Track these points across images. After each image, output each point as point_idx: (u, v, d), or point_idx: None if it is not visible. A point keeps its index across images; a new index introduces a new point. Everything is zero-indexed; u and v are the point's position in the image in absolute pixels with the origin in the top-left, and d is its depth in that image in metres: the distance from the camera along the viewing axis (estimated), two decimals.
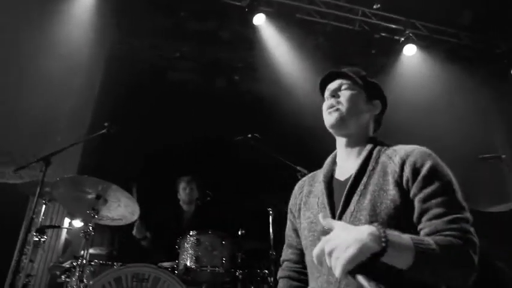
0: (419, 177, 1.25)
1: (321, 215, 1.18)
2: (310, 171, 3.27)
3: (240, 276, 3.21)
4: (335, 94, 1.49)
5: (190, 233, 3.07)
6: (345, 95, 1.47)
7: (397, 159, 1.32)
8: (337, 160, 1.51)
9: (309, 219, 1.41)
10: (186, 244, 3.04)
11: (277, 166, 3.44)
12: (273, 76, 4.97)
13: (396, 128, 4.92)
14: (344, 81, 1.50)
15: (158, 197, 4.05)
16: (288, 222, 1.59)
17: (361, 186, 1.32)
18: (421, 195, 1.23)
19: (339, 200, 1.34)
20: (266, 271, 3.40)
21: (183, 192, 3.85)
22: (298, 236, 1.50)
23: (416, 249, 1.05)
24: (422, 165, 1.27)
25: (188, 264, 2.93)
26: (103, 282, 2.53)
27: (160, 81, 5.17)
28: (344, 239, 1.00)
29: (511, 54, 5.15)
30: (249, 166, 4.13)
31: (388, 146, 1.43)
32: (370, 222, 1.18)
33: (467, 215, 1.20)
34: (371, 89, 1.53)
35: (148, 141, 4.48)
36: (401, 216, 1.23)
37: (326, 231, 1.12)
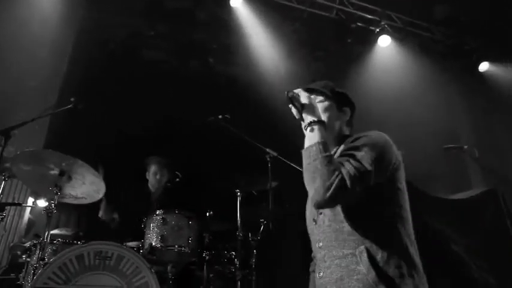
0: (350, 142, 1.54)
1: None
2: (279, 154, 3.34)
3: (207, 257, 3.24)
4: None
5: (157, 212, 3.05)
6: (319, 106, 1.68)
7: (347, 142, 1.59)
8: None
9: (307, 212, 1.69)
10: (152, 223, 3.02)
11: (247, 148, 3.45)
12: (247, 59, 4.93)
13: (367, 115, 5.04)
14: (316, 96, 1.71)
15: (126, 176, 3.99)
16: None
17: None
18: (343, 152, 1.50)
19: None
20: (233, 253, 3.44)
21: (153, 176, 3.79)
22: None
23: (319, 143, 1.46)
24: (359, 138, 1.53)
25: (153, 243, 2.92)
26: (64, 260, 2.48)
27: (132, 59, 5.03)
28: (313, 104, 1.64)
29: (480, 51, 5.31)
30: (219, 147, 4.10)
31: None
32: (332, 210, 1.51)
33: (366, 167, 1.41)
34: (341, 99, 1.75)
35: (118, 119, 4.38)
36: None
37: (315, 220, 1.59)
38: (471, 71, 5.42)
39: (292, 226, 3.65)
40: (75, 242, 2.76)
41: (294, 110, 1.63)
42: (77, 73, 4.45)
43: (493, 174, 3.32)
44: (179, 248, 2.93)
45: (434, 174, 4.58)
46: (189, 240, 2.99)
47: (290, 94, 1.61)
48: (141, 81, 4.69)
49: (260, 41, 4.92)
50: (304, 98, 1.60)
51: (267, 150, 3.25)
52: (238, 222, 3.31)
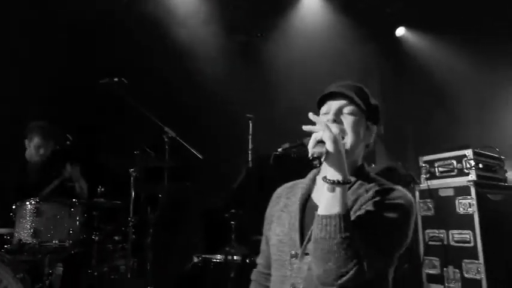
0: (383, 203, 1.21)
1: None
2: (177, 134, 3.01)
3: (96, 244, 2.95)
4: (337, 119, 1.30)
5: (28, 202, 2.59)
6: (348, 122, 1.30)
7: (371, 192, 1.25)
8: (317, 179, 1.40)
9: (279, 237, 1.37)
10: (22, 213, 2.57)
11: (146, 121, 3.05)
12: (155, 14, 4.16)
13: (288, 68, 4.83)
14: (346, 103, 1.31)
15: None
16: (265, 227, 1.50)
17: None
18: (372, 213, 1.19)
19: (309, 224, 1.26)
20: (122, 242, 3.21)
21: (35, 150, 3.13)
22: (268, 244, 1.45)
23: (342, 214, 1.10)
24: (392, 199, 1.22)
25: (23, 239, 2.51)
26: None
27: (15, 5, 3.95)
28: (341, 142, 1.17)
29: (399, 15, 5.25)
30: (114, 116, 3.59)
31: (373, 179, 1.33)
32: None
33: (390, 259, 1.21)
34: (371, 114, 1.35)
35: None
36: None
37: (295, 255, 1.27)
38: (389, 35, 5.39)
39: (194, 206, 3.47)
40: None
41: (311, 145, 1.15)
42: None
43: (394, 151, 3.39)
44: (58, 244, 2.57)
45: None
46: (70, 232, 2.63)
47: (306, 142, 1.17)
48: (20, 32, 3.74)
49: None
50: (330, 140, 1.13)
51: (165, 129, 2.88)
52: (131, 203, 3.00)
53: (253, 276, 1.53)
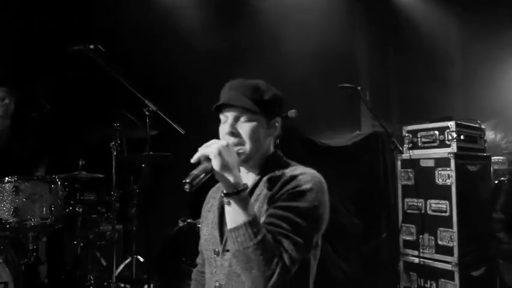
0: (288, 192, 1.22)
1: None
2: (158, 109, 2.90)
3: (79, 218, 2.95)
4: (234, 131, 1.30)
5: (6, 179, 2.53)
6: (245, 130, 1.30)
7: (280, 183, 1.26)
8: None
9: (205, 236, 1.41)
10: (1, 192, 2.52)
11: (125, 92, 2.92)
12: None
13: (267, 37, 4.63)
14: (241, 111, 1.30)
15: None
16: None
17: None
18: (277, 203, 1.21)
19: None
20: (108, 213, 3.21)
21: None
22: None
23: (249, 221, 1.11)
24: (298, 186, 1.22)
25: (4, 218, 2.48)
26: None
27: None
28: (229, 156, 1.14)
29: None
30: (92, 84, 3.41)
31: (285, 164, 1.35)
32: None
33: (304, 246, 1.18)
34: (271, 109, 1.34)
35: None
36: None
37: (218, 253, 1.31)
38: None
39: (177, 175, 3.43)
40: None
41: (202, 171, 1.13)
42: None
43: (378, 119, 3.39)
44: (40, 221, 2.56)
45: (328, 111, 4.61)
46: (51, 208, 2.62)
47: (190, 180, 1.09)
48: None
49: None
50: (213, 155, 1.13)
51: (146, 101, 2.77)
52: (114, 179, 2.97)
53: (193, 275, 1.57)
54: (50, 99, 3.26)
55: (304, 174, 1.26)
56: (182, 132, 2.68)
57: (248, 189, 1.19)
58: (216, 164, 1.12)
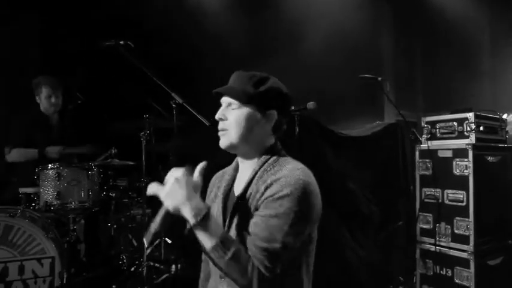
0: (269, 199, 1.26)
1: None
2: (184, 101, 3.08)
3: (113, 203, 3.21)
4: (222, 116, 1.37)
5: (49, 166, 2.80)
6: (233, 116, 1.35)
7: (263, 186, 1.29)
8: (239, 167, 1.47)
9: None
10: (45, 177, 2.80)
11: (149, 87, 3.11)
12: None
13: (288, 32, 4.69)
14: (232, 100, 1.35)
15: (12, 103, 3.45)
16: None
17: (241, 210, 1.34)
18: (260, 212, 1.26)
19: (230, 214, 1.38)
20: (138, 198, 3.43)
21: (46, 101, 3.27)
22: None
23: (218, 243, 1.19)
24: (276, 193, 1.25)
25: (49, 200, 2.76)
26: None
27: None
28: (179, 190, 1.20)
29: None
30: (123, 80, 3.63)
31: (274, 165, 1.36)
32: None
33: (284, 251, 1.22)
34: (264, 100, 1.36)
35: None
36: None
37: None
38: None
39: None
40: None
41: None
42: None
43: (398, 109, 3.44)
44: (79, 204, 2.83)
45: (352, 102, 4.64)
46: (89, 193, 2.88)
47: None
48: None
49: None
50: (163, 197, 1.22)
51: (173, 95, 2.96)
52: (144, 166, 3.19)
53: (203, 256, 1.62)
54: (84, 92, 3.51)
55: (287, 178, 1.26)
56: (207, 123, 2.86)
57: (207, 214, 1.21)
58: (168, 205, 1.20)
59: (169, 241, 3.50)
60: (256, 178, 1.35)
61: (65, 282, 2.48)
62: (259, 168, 1.36)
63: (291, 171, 1.29)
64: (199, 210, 1.19)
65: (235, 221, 1.35)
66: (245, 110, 1.35)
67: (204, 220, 1.19)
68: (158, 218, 1.23)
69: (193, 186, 1.23)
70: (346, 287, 3.32)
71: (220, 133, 1.38)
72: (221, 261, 1.19)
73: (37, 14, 3.69)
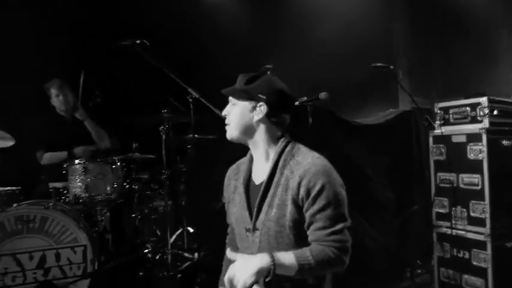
0: (311, 197, 1.45)
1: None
2: (200, 95, 3.19)
3: (136, 195, 3.37)
4: (226, 112, 1.61)
5: (76, 161, 2.98)
6: (233, 111, 1.58)
7: (296, 178, 1.47)
8: (254, 158, 1.64)
9: (235, 215, 1.63)
10: (73, 172, 2.98)
11: (166, 82, 3.22)
12: None
13: (300, 19, 4.72)
14: (232, 98, 1.59)
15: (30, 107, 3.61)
16: (225, 205, 1.76)
17: (268, 198, 1.51)
18: (310, 211, 1.46)
19: (254, 202, 1.55)
20: (159, 189, 3.58)
21: (56, 100, 3.45)
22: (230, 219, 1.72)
23: (298, 265, 1.38)
24: (314, 185, 1.44)
25: (78, 193, 2.94)
26: None
27: None
28: (243, 269, 1.35)
29: None
30: (140, 75, 3.77)
31: (293, 154, 1.53)
32: (277, 231, 1.49)
33: (346, 224, 1.47)
34: (253, 94, 1.54)
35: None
36: (301, 227, 1.49)
37: (249, 229, 1.54)
38: None
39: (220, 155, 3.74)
40: None
41: None
42: None
43: (411, 96, 3.47)
44: (105, 196, 3.00)
45: (366, 90, 4.65)
46: (114, 185, 3.04)
47: None
48: None
49: None
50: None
51: (189, 90, 3.07)
52: (164, 160, 3.34)
53: (227, 240, 1.82)
54: (104, 90, 3.66)
55: (316, 166, 1.46)
56: (222, 116, 2.96)
57: (273, 259, 1.37)
58: (250, 278, 1.34)
59: (191, 230, 3.66)
60: (279, 167, 1.52)
61: (96, 268, 2.65)
62: (278, 158, 1.53)
63: (313, 160, 1.49)
64: (268, 261, 1.36)
65: (264, 207, 1.51)
66: (240, 105, 1.56)
67: (276, 264, 1.36)
68: None
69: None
70: (364, 272, 3.40)
71: (226, 127, 1.60)
72: (312, 273, 1.42)
73: (57, 16, 3.84)
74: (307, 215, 1.46)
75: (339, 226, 1.44)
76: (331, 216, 1.44)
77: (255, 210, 1.52)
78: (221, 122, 3.12)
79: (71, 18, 3.91)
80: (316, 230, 1.44)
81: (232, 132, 1.58)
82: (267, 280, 1.37)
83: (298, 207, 1.47)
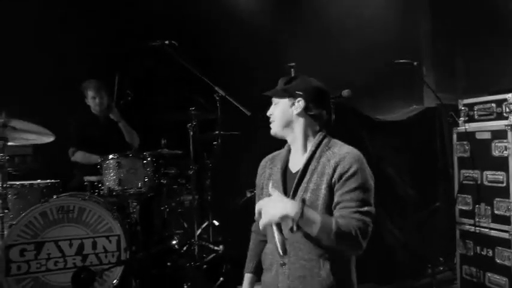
0: (343, 179, 1.58)
1: (270, 185, 1.65)
2: (226, 93, 3.31)
3: (164, 189, 3.54)
4: (270, 112, 1.76)
5: (110, 156, 3.16)
6: (276, 110, 1.74)
7: (332, 163, 1.61)
8: (291, 149, 1.78)
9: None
10: (107, 166, 3.16)
11: (196, 80, 3.36)
12: None
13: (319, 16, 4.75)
14: (274, 98, 1.75)
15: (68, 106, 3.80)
16: (257, 192, 1.90)
17: (304, 184, 1.64)
18: (340, 191, 1.58)
19: (290, 189, 1.67)
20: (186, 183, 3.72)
21: (92, 101, 3.62)
22: None
23: (321, 226, 1.46)
24: (348, 170, 1.58)
25: (111, 187, 3.12)
26: (29, 218, 2.68)
27: None
28: (273, 203, 1.49)
29: None
30: (168, 74, 3.93)
31: (330, 147, 1.68)
32: None
33: (371, 209, 1.57)
34: (292, 92, 1.70)
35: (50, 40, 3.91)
36: (332, 212, 1.59)
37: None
38: None
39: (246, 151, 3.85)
40: None
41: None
42: None
43: (435, 93, 3.47)
44: (137, 190, 3.17)
45: (391, 86, 4.64)
46: (145, 179, 3.21)
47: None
48: None
49: None
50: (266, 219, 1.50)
51: (216, 88, 3.20)
52: (192, 155, 3.49)
53: (253, 227, 1.93)
54: (135, 89, 3.83)
55: (351, 154, 1.60)
56: (248, 113, 3.08)
57: (303, 207, 1.47)
58: (275, 216, 1.47)
59: (217, 223, 3.80)
60: (315, 157, 1.65)
61: (128, 257, 2.83)
62: (316, 149, 1.67)
63: (349, 150, 1.63)
64: (297, 209, 1.46)
65: (299, 192, 1.63)
66: (281, 103, 1.72)
67: (303, 214, 1.46)
68: (276, 233, 1.55)
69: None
70: (387, 268, 3.45)
71: (270, 125, 1.75)
72: (330, 238, 1.47)
73: (88, 18, 4.04)
74: (337, 194, 1.57)
75: (365, 208, 1.54)
76: (359, 199, 1.54)
77: (291, 194, 1.64)
78: (245, 119, 3.26)
79: (104, 20, 4.09)
80: (343, 208, 1.54)
81: (275, 127, 1.73)
82: (290, 230, 1.47)
83: (331, 190, 1.58)
